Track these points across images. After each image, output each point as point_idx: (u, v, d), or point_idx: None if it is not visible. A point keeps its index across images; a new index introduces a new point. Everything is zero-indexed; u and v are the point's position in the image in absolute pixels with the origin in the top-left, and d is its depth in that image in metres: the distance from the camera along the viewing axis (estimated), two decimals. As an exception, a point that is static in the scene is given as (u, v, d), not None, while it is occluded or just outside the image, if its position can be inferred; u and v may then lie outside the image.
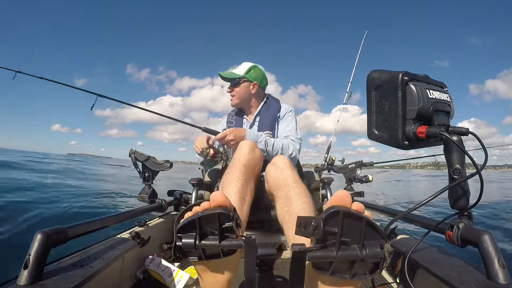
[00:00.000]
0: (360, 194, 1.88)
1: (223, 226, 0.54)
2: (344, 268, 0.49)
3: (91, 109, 1.52)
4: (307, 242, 0.51)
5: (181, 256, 0.56)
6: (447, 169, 0.66)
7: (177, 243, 0.54)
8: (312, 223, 0.46)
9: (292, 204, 0.84)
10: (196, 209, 0.56)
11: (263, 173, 1.37)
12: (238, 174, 0.95)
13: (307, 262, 0.47)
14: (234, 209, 0.58)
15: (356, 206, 0.47)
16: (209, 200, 0.56)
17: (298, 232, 0.51)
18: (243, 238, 0.53)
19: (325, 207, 0.49)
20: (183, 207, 1.61)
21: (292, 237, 0.74)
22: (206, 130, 1.39)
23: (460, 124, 0.64)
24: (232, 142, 1.27)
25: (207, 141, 1.30)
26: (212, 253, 0.57)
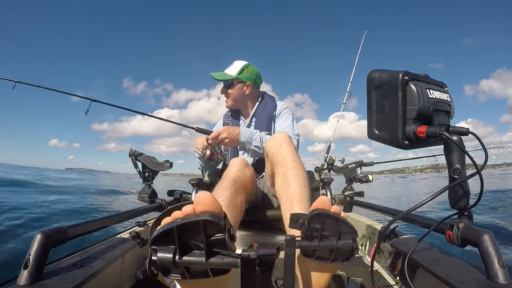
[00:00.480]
0: (360, 194, 1.88)
1: (212, 238, 0.43)
2: (326, 255, 0.59)
3: (85, 114, 1.57)
4: (298, 233, 0.60)
5: (157, 274, 0.45)
6: (447, 171, 0.66)
7: (152, 257, 0.43)
8: (300, 221, 0.58)
9: (289, 186, 0.89)
10: (176, 214, 0.45)
11: (263, 174, 1.37)
12: (227, 185, 0.93)
13: (297, 249, 0.57)
14: (225, 215, 0.47)
15: (334, 209, 0.58)
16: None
17: (291, 225, 0.61)
18: (240, 255, 0.44)
19: (310, 209, 0.59)
20: None
21: (287, 217, 0.82)
22: (199, 130, 1.39)
23: (457, 126, 0.64)
24: (226, 140, 1.26)
25: (207, 140, 1.30)
26: (198, 270, 0.46)
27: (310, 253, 0.60)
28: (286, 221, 0.84)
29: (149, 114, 1.71)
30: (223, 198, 0.86)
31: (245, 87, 1.51)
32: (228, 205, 0.85)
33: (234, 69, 1.51)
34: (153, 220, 1.34)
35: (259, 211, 1.30)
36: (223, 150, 1.36)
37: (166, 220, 0.46)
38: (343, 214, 0.59)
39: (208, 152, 1.29)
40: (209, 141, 1.30)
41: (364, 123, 0.65)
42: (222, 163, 1.68)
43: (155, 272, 0.45)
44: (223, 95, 1.54)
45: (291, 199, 0.87)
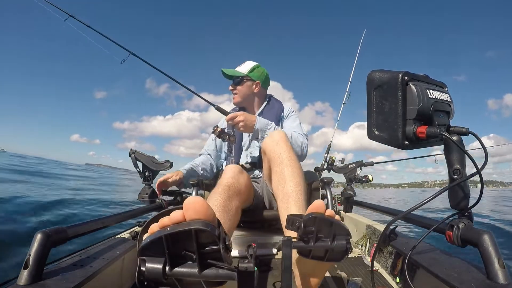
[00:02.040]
0: (353, 194, 1.90)
1: (206, 248, 0.40)
2: (321, 255, 0.62)
3: (121, 63, 1.60)
4: (295, 233, 0.63)
5: (149, 285, 0.41)
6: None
7: (141, 268, 0.40)
8: (296, 224, 0.60)
9: (286, 184, 0.91)
10: (164, 221, 0.40)
11: (262, 173, 1.37)
12: (220, 191, 0.93)
13: (294, 249, 0.60)
14: (219, 223, 0.42)
15: (328, 213, 0.60)
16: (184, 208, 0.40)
17: (287, 227, 0.63)
18: (237, 267, 0.41)
19: (306, 212, 0.61)
20: None
21: (283, 215, 0.86)
22: (218, 108, 1.42)
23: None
24: (241, 124, 1.27)
25: (161, 186, 1.44)
26: (191, 281, 0.43)
27: (306, 252, 0.63)
28: (283, 219, 0.87)
29: (180, 82, 1.69)
30: (216, 203, 0.86)
31: (254, 85, 1.54)
32: (223, 209, 0.85)
33: (245, 67, 1.55)
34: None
35: (258, 211, 1.31)
36: (235, 134, 1.37)
37: (153, 228, 0.41)
38: (337, 217, 0.62)
39: (219, 129, 1.31)
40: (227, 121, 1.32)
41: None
42: (221, 164, 1.68)
43: (145, 283, 0.40)
44: (232, 91, 1.57)
45: (287, 197, 0.89)
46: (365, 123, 0.64)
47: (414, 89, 0.57)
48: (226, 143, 1.44)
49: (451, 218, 0.72)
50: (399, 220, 0.80)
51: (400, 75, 0.57)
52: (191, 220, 0.39)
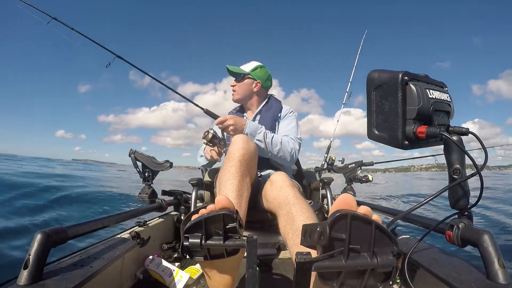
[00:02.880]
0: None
1: (227, 226, 0.59)
2: (353, 279, 0.44)
3: (106, 67, 1.59)
4: (313, 253, 0.46)
5: (187, 256, 0.60)
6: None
7: (184, 243, 0.58)
8: (318, 229, 0.43)
9: (295, 221, 0.82)
10: (202, 211, 0.61)
11: (262, 173, 1.37)
12: (233, 171, 0.95)
13: (313, 272, 0.44)
14: (237, 211, 0.62)
15: (364, 210, 0.44)
16: (213, 203, 0.61)
17: (303, 242, 0.47)
18: (246, 238, 0.55)
19: (330, 211, 0.45)
20: (182, 207, 1.61)
21: (293, 251, 0.74)
22: (207, 112, 1.41)
23: (464, 125, 0.64)
24: (231, 127, 1.26)
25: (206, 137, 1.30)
26: (216, 253, 0.60)
27: (332, 277, 0.45)
28: (294, 257, 0.76)
29: (159, 80, 1.68)
30: (232, 188, 0.90)
31: (254, 84, 1.55)
32: (237, 194, 0.89)
33: (249, 66, 1.57)
34: (153, 220, 1.35)
35: (259, 211, 1.30)
36: (225, 138, 1.36)
37: (195, 216, 0.61)
38: (375, 216, 0.44)
39: (210, 134, 1.30)
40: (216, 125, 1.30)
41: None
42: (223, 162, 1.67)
43: (185, 255, 0.59)
44: (232, 88, 1.58)
45: (298, 232, 0.77)
46: (351, 109, 0.63)
47: (414, 89, 0.57)
48: None
49: (451, 218, 0.72)
50: (399, 220, 0.80)
51: (400, 75, 0.57)
52: (220, 209, 0.59)
